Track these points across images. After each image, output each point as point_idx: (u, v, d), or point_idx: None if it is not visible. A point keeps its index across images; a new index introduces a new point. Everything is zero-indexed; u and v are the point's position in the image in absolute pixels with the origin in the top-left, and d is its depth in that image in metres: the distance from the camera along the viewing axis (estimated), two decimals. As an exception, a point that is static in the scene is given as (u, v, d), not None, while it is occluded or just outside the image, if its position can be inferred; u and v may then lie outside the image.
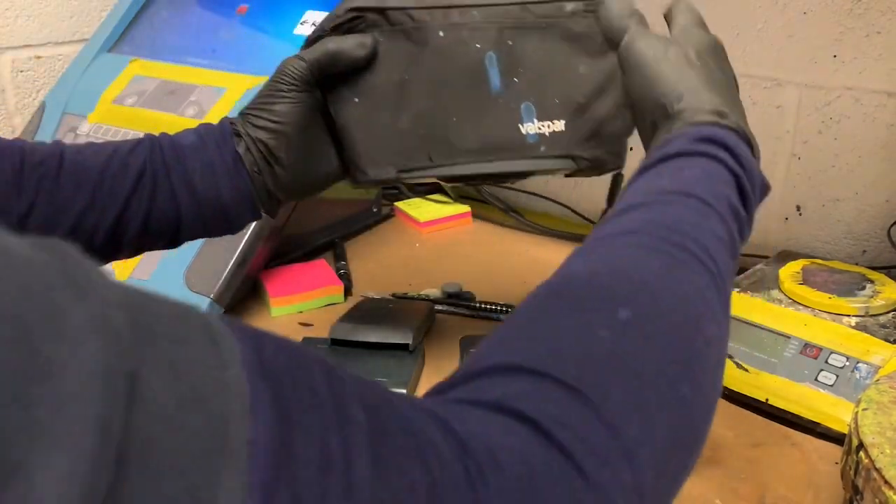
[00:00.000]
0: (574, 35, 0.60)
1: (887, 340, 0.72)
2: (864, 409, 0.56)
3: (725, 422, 0.70)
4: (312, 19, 0.98)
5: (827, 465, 0.65)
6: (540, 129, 0.60)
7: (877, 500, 0.50)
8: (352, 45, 0.59)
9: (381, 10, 0.59)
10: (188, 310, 0.24)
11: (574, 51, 0.59)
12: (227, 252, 0.84)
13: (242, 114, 0.62)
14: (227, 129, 0.61)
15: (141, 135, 0.96)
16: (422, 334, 0.81)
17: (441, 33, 0.59)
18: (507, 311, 0.87)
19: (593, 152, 0.62)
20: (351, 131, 0.62)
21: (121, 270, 0.86)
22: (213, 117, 0.93)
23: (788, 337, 0.73)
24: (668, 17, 0.56)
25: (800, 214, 0.96)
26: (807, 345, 0.72)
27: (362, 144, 0.62)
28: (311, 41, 0.61)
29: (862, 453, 0.52)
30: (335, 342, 0.78)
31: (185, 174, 0.60)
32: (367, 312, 0.83)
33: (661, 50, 0.50)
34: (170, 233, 0.61)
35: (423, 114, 0.60)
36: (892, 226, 0.88)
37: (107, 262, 0.61)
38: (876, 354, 0.70)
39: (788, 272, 0.82)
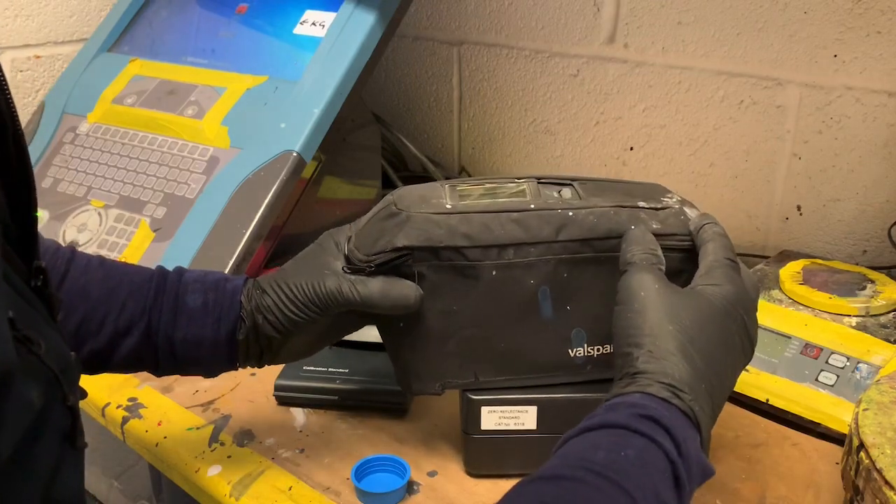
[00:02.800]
0: None
1: (888, 340, 0.72)
2: (865, 410, 0.55)
3: (725, 422, 0.70)
4: (312, 19, 0.98)
5: (827, 466, 0.65)
6: (589, 352, 0.60)
7: (877, 501, 0.50)
8: (395, 301, 0.57)
9: (432, 249, 0.57)
10: None
11: None
12: (226, 252, 0.83)
13: (262, 287, 0.59)
14: (237, 305, 0.59)
15: (140, 135, 0.98)
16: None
17: (494, 272, 0.57)
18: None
19: None
20: (396, 351, 0.62)
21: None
22: (213, 117, 0.93)
23: (789, 337, 0.73)
24: (697, 239, 0.56)
25: (800, 214, 0.96)
26: (807, 345, 0.72)
27: (408, 363, 0.61)
28: (354, 270, 0.58)
29: (862, 454, 0.52)
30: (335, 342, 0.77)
31: (171, 342, 0.58)
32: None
33: (651, 294, 0.50)
34: (150, 369, 0.60)
35: (470, 339, 0.60)
36: (892, 226, 0.88)
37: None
38: (876, 354, 0.70)
39: (789, 272, 0.82)
